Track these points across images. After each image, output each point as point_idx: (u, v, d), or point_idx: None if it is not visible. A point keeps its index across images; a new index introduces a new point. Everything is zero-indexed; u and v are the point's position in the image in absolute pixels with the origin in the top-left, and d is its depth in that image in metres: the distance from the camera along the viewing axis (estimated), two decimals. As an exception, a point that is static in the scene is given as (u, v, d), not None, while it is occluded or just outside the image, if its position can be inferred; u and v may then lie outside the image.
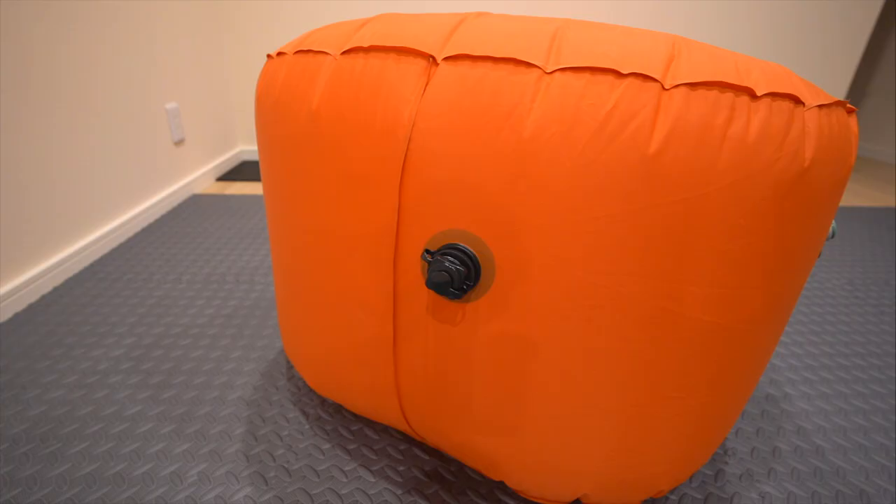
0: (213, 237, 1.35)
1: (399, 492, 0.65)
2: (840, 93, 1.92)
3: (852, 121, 0.44)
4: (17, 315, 1.00)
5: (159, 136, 1.51)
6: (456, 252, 0.45)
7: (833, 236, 0.55)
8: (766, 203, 0.40)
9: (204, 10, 1.73)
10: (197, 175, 1.72)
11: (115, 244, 1.31)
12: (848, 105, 0.43)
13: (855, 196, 1.85)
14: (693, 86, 0.38)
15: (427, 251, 0.46)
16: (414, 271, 0.49)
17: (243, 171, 1.92)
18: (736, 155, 0.38)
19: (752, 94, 0.38)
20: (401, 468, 0.68)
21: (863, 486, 0.66)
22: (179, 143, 1.61)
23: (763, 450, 0.72)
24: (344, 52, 0.50)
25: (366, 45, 0.48)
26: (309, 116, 0.51)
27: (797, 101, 0.39)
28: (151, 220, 1.46)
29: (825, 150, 0.40)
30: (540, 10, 1.78)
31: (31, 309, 1.02)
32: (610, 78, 0.39)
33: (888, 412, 0.79)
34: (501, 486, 0.65)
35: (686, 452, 0.53)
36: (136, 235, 1.36)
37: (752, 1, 1.80)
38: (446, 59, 0.44)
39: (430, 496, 0.64)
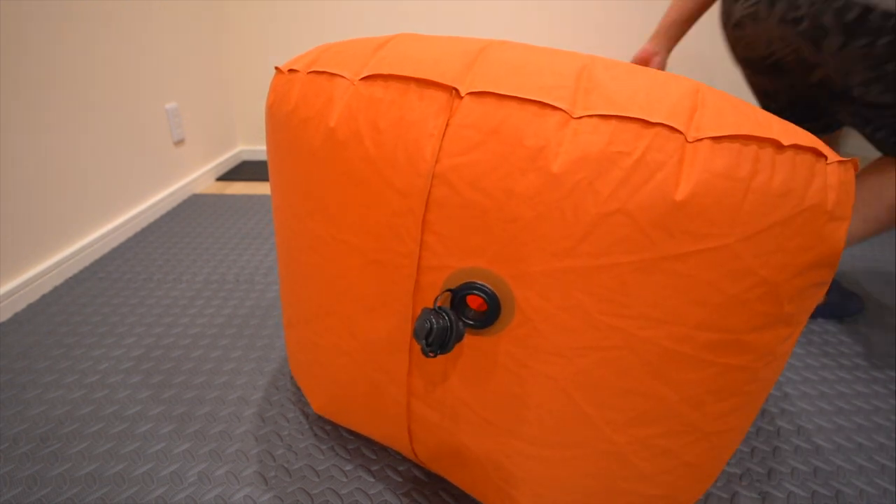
0: (213, 237, 1.35)
1: (399, 492, 0.65)
2: (840, 93, 1.92)
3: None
4: (17, 315, 1.00)
5: (159, 136, 1.51)
6: (470, 292, 0.45)
7: None
8: (786, 255, 0.40)
9: (204, 10, 1.73)
10: (197, 175, 1.72)
11: (115, 244, 1.31)
12: (856, 162, 0.44)
13: (855, 196, 1.85)
14: (718, 139, 0.38)
15: (447, 289, 0.46)
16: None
17: (243, 171, 1.92)
18: (759, 207, 0.38)
19: (779, 146, 0.39)
20: (401, 468, 0.68)
21: (863, 487, 0.66)
22: (179, 143, 1.61)
23: (763, 450, 0.72)
24: (363, 79, 0.49)
25: (385, 72, 0.47)
26: (325, 137, 0.50)
27: (819, 154, 0.40)
28: (151, 220, 1.46)
29: (842, 204, 0.41)
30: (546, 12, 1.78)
31: (31, 309, 1.02)
32: (637, 127, 0.39)
33: (888, 412, 0.79)
34: (501, 485, 0.66)
35: (689, 482, 0.53)
36: (136, 235, 1.36)
37: (752, 1, 1.80)
38: (470, 94, 0.43)
39: (430, 496, 0.64)
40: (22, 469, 0.67)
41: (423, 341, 0.44)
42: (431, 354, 0.45)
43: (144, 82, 1.43)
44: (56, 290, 1.09)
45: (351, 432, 0.73)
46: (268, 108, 0.59)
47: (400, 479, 0.66)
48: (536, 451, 0.51)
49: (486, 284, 0.44)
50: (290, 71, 0.56)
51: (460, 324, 0.45)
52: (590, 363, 0.45)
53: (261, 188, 1.76)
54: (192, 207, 1.56)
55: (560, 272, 0.42)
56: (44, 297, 1.07)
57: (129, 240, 1.34)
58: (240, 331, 0.95)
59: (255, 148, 2.06)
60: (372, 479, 0.66)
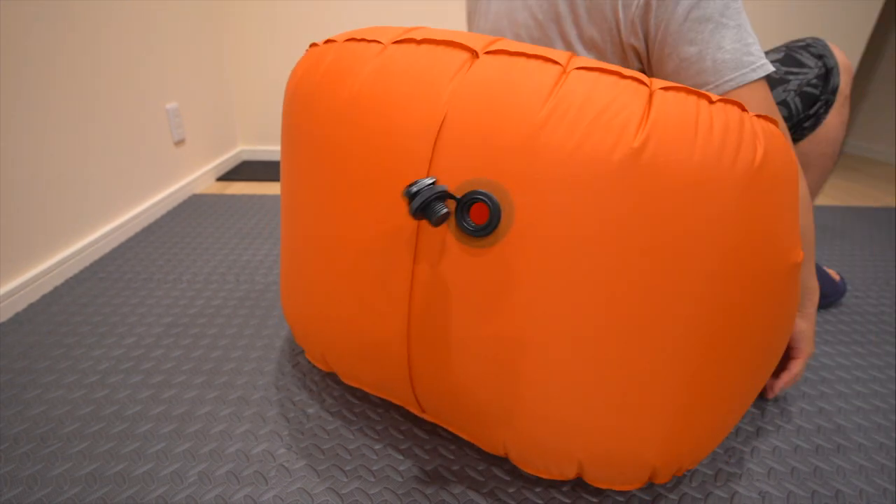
0: (213, 237, 1.35)
1: (400, 492, 0.65)
2: (840, 93, 1.92)
3: (780, 127, 0.52)
4: (17, 315, 1.00)
5: (159, 136, 1.51)
6: (476, 196, 0.50)
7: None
8: (735, 191, 0.46)
9: (204, 10, 1.73)
10: (197, 175, 1.72)
11: (115, 244, 1.31)
12: (774, 120, 0.52)
13: (855, 196, 1.85)
14: (667, 88, 0.49)
15: (453, 197, 0.51)
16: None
17: (243, 171, 1.92)
18: (707, 147, 0.46)
19: (709, 100, 0.49)
20: (402, 468, 0.68)
21: (863, 486, 0.67)
22: (179, 143, 1.61)
23: (763, 450, 0.72)
24: (396, 42, 0.58)
25: (418, 38, 0.57)
26: (352, 92, 0.57)
27: (742, 108, 0.49)
28: (151, 220, 1.46)
29: (771, 150, 0.48)
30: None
31: (32, 309, 1.02)
32: (615, 77, 0.50)
33: (888, 412, 0.79)
34: (502, 483, 0.66)
35: (680, 437, 0.53)
36: (136, 235, 1.36)
37: (752, 1, 1.81)
38: (487, 52, 0.55)
39: (430, 496, 0.64)
40: (22, 469, 0.67)
41: (409, 195, 0.48)
42: (417, 214, 0.48)
43: (145, 82, 1.43)
44: (57, 289, 1.09)
45: (352, 433, 0.73)
46: (297, 78, 0.63)
47: (400, 479, 0.66)
48: (529, 392, 0.53)
49: (489, 192, 0.50)
50: (327, 42, 0.63)
51: (445, 208, 0.48)
52: (583, 272, 0.49)
53: (261, 188, 1.76)
54: (192, 207, 1.56)
55: (556, 181, 0.48)
56: (44, 296, 1.07)
57: (130, 240, 1.34)
58: (240, 331, 0.96)
59: (256, 148, 2.06)
60: (372, 479, 0.66)
